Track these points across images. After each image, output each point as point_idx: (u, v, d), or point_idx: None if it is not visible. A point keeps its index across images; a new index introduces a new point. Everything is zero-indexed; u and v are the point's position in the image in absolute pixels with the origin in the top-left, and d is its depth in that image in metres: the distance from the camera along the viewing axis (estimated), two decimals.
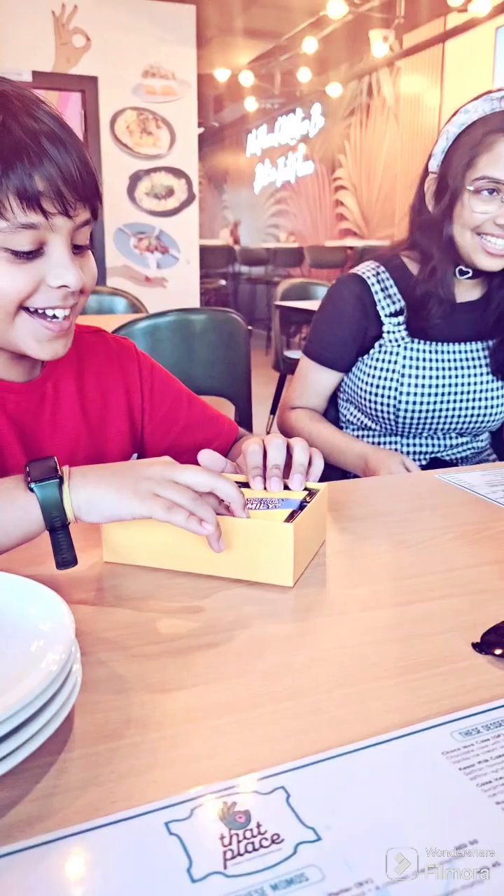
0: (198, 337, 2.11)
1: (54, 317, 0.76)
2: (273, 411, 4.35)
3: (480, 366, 1.28)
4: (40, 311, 0.75)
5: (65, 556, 0.65)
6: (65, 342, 0.80)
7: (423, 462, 1.31)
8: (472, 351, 1.28)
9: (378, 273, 1.28)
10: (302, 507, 0.73)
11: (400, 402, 1.25)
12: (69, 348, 0.82)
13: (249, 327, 2.18)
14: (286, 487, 0.77)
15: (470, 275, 1.22)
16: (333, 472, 1.40)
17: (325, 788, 0.41)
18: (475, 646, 0.56)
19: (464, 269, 1.22)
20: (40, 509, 0.64)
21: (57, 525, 0.64)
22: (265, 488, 0.77)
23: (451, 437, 1.31)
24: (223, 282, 8.57)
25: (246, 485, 0.79)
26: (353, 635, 0.59)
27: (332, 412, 1.42)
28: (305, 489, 0.77)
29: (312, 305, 3.85)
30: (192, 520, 0.63)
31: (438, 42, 5.76)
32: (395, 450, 1.31)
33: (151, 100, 5.67)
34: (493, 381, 1.29)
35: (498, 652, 0.54)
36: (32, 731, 0.41)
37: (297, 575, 0.68)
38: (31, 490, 0.64)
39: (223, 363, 2.16)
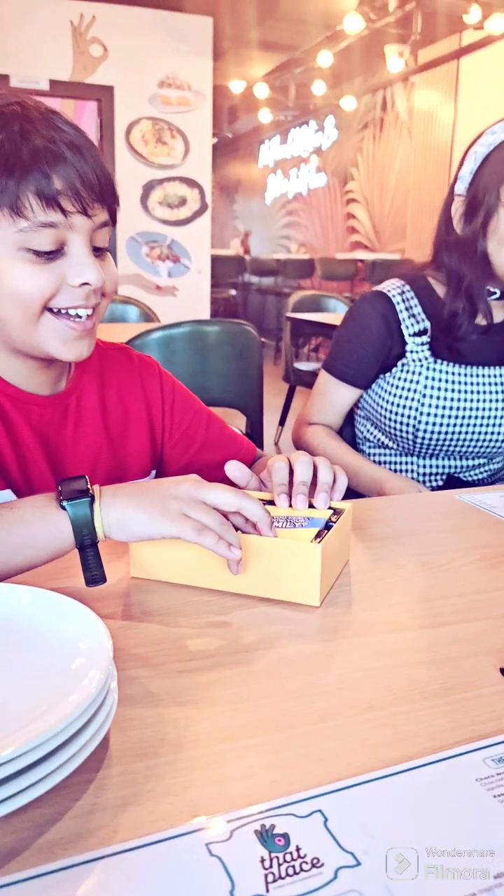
0: (211, 348, 2.12)
1: (77, 316, 0.78)
2: (282, 422, 4.36)
3: (501, 391, 1.28)
4: (63, 311, 0.77)
5: (94, 573, 0.66)
6: (89, 343, 0.82)
7: (440, 482, 1.32)
8: (494, 375, 1.28)
9: (403, 292, 1.29)
10: (328, 526, 0.73)
11: (420, 421, 1.25)
12: (92, 351, 0.83)
13: (263, 339, 2.19)
14: (311, 506, 0.78)
15: (498, 295, 1.23)
16: (347, 491, 1.40)
17: (361, 812, 0.42)
18: (503, 671, 0.56)
19: (491, 289, 1.23)
20: (71, 527, 0.64)
21: (87, 543, 0.65)
22: (290, 506, 0.77)
23: (467, 459, 1.31)
24: (233, 291, 8.61)
25: (271, 502, 0.79)
26: (380, 657, 0.60)
27: (348, 429, 1.42)
28: (330, 508, 0.78)
29: (323, 318, 3.86)
30: (221, 543, 0.64)
31: (453, 58, 5.79)
32: (410, 469, 1.32)
33: (167, 110, 5.71)
34: None
35: None
36: (75, 749, 0.42)
37: (323, 594, 0.69)
38: (63, 508, 0.64)
39: (236, 375, 2.17)
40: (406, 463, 1.32)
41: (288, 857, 0.39)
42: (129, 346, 1.02)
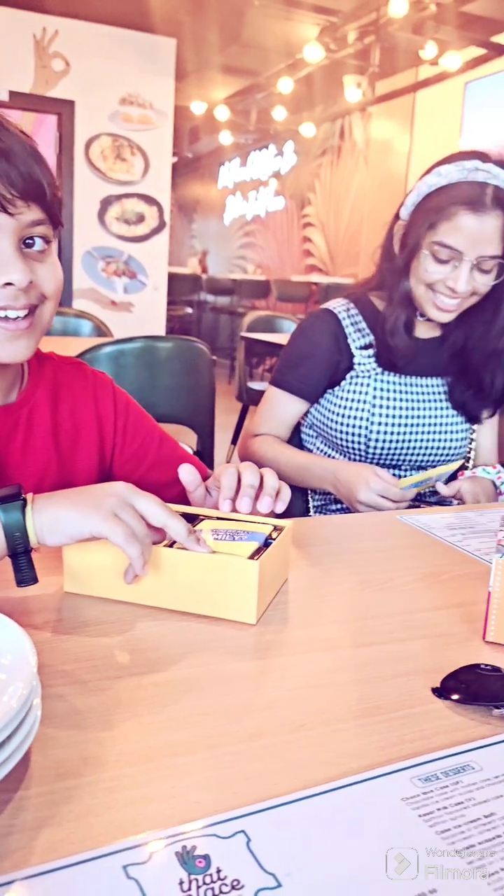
0: (163, 364, 2.12)
1: (6, 317, 0.77)
2: (234, 441, 4.36)
3: (443, 401, 1.33)
4: None
5: (24, 574, 0.64)
6: (26, 344, 0.81)
7: None
8: (434, 386, 1.33)
9: (349, 309, 1.34)
10: (268, 543, 0.73)
11: (371, 430, 1.28)
12: (31, 353, 0.82)
13: (213, 357, 2.20)
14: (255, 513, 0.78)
15: (427, 317, 1.27)
16: (295, 499, 1.41)
17: (285, 833, 0.41)
18: (435, 691, 0.56)
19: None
20: (3, 532, 0.63)
21: (19, 549, 0.64)
22: (234, 510, 0.78)
23: (415, 472, 1.33)
24: (189, 309, 8.62)
25: (210, 518, 0.79)
26: (313, 676, 0.59)
27: (294, 444, 1.43)
28: (272, 526, 0.78)
29: (277, 338, 3.89)
30: (140, 558, 0.64)
31: (410, 91, 5.95)
32: None
33: (127, 127, 5.72)
34: (454, 416, 1.33)
35: (456, 697, 0.55)
36: None
37: (260, 612, 0.68)
38: None
39: (187, 391, 2.16)
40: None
41: (207, 880, 0.38)
42: (83, 362, 1.01)
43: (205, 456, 2.21)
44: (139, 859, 0.39)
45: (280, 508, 0.80)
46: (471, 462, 1.39)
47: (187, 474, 0.83)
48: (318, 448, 1.39)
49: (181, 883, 0.38)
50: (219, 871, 0.38)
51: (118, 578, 0.69)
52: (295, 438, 1.43)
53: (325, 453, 1.37)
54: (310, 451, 1.41)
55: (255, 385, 4.26)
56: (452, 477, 1.45)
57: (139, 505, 0.67)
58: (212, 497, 0.87)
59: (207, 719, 0.52)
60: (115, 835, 0.41)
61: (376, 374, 1.30)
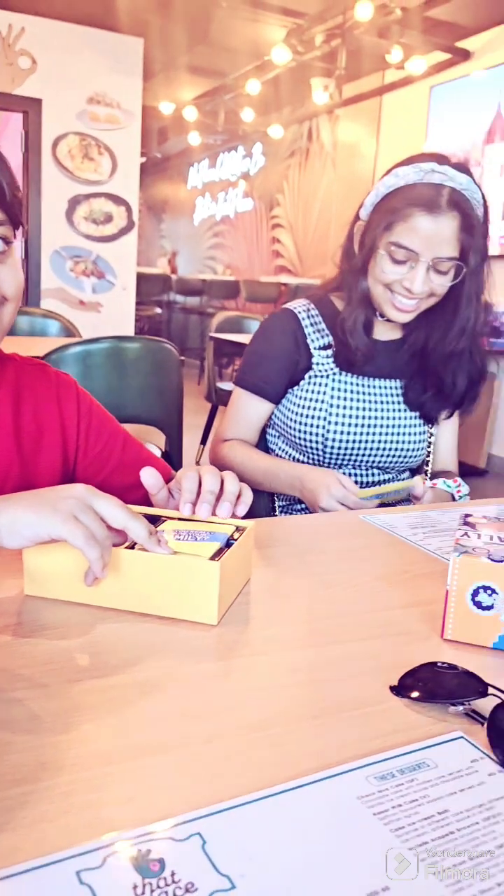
0: (130, 365, 2.10)
1: None
2: (203, 441, 4.35)
3: (400, 402, 1.34)
4: None
5: None
6: None
7: None
8: (392, 388, 1.34)
9: (309, 309, 1.35)
10: (229, 543, 0.73)
11: (328, 430, 1.29)
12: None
13: (181, 357, 2.19)
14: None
15: (386, 317, 1.28)
16: (261, 499, 1.41)
17: (241, 834, 0.41)
18: (393, 689, 0.57)
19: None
20: None
21: None
22: (193, 513, 0.77)
23: (374, 474, 1.35)
24: (158, 310, 8.59)
25: (172, 519, 0.79)
26: (273, 676, 0.59)
27: (260, 447, 1.43)
28: (234, 527, 0.78)
29: (246, 338, 3.89)
30: (100, 561, 0.63)
31: (376, 95, 6.01)
32: None
33: (95, 126, 5.68)
34: (413, 419, 1.34)
35: (414, 695, 0.56)
36: None
37: (221, 613, 0.68)
38: None
39: (155, 392, 2.15)
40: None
41: (161, 883, 0.38)
42: (47, 363, 1.01)
43: (173, 457, 2.21)
44: (93, 864, 0.39)
45: (241, 512, 0.80)
46: (430, 465, 1.40)
47: (149, 477, 0.82)
48: (280, 448, 1.39)
49: (135, 887, 0.37)
50: (173, 874, 0.38)
51: (79, 581, 0.69)
52: (262, 439, 1.43)
53: (288, 453, 1.38)
54: (273, 451, 1.41)
55: (224, 385, 4.26)
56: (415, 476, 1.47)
57: (99, 507, 0.66)
58: (175, 499, 0.87)
59: (166, 721, 0.52)
60: (70, 840, 0.41)
61: (334, 374, 1.31)
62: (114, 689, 0.56)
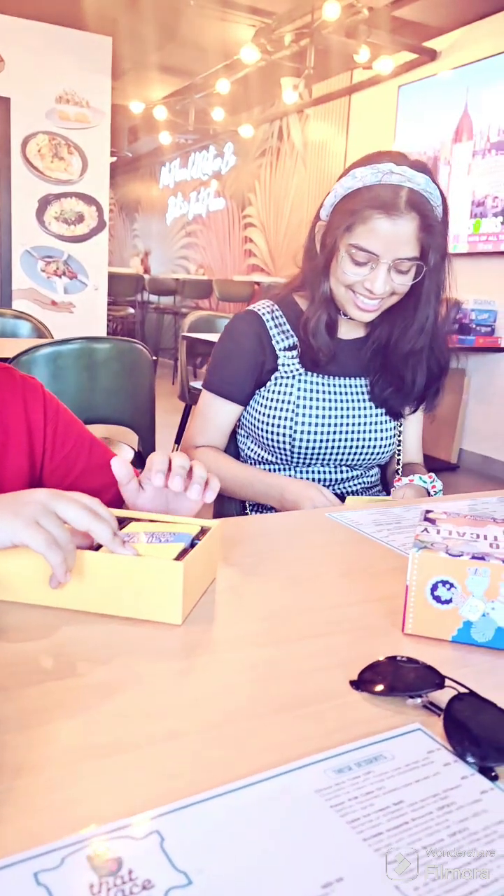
0: (101, 365, 2.10)
1: None
2: (178, 440, 4.35)
3: (366, 400, 1.35)
4: None
5: None
6: None
7: None
8: (358, 386, 1.35)
9: (273, 310, 1.35)
10: (194, 544, 0.74)
11: (295, 430, 1.29)
12: None
13: (155, 357, 2.19)
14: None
15: (348, 315, 1.29)
16: (232, 503, 1.42)
17: (199, 831, 0.42)
18: (353, 683, 0.58)
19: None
20: None
21: None
22: (166, 485, 0.79)
23: (342, 471, 1.36)
24: (131, 310, 8.55)
25: (138, 520, 0.79)
26: (235, 673, 0.60)
27: (231, 449, 1.44)
28: (199, 527, 0.78)
29: (218, 338, 3.90)
30: (63, 565, 0.63)
31: (345, 94, 6.03)
32: None
33: (64, 125, 5.65)
34: (380, 416, 1.36)
35: (373, 689, 0.56)
36: None
37: (185, 612, 0.69)
38: None
39: (126, 393, 2.15)
40: (286, 475, 1.35)
41: (118, 882, 0.38)
42: (12, 367, 1.00)
43: (145, 456, 2.20)
44: (50, 865, 0.39)
45: (209, 498, 0.82)
46: (400, 459, 1.42)
47: (120, 467, 0.83)
48: (249, 448, 1.40)
49: (91, 886, 0.38)
50: (130, 872, 0.39)
51: (43, 584, 0.69)
52: (232, 441, 1.43)
53: (257, 454, 1.38)
54: (243, 451, 1.42)
55: (197, 384, 4.24)
56: (384, 472, 1.48)
57: (61, 510, 0.66)
58: (144, 492, 0.87)
59: (127, 721, 0.53)
60: (28, 842, 0.41)
61: (300, 374, 1.31)
62: (76, 691, 0.56)
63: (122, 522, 0.79)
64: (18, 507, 0.64)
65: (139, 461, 2.21)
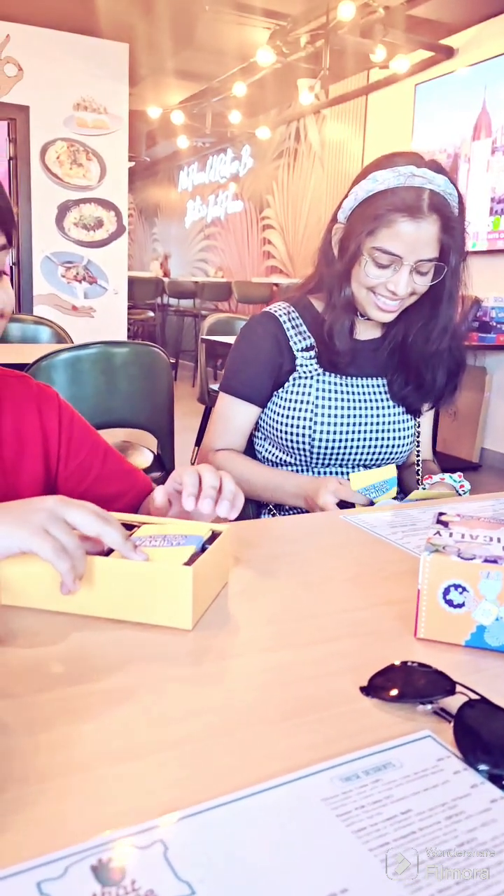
0: (119, 370, 2.11)
1: None
2: (198, 443, 4.36)
3: (385, 399, 1.34)
4: None
5: None
6: None
7: None
8: (376, 386, 1.35)
9: (289, 312, 1.35)
10: (204, 548, 0.73)
11: (315, 431, 1.29)
12: None
13: (173, 360, 2.19)
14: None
15: (368, 316, 1.29)
16: (248, 506, 1.41)
17: (203, 840, 0.41)
18: (363, 689, 0.57)
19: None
20: None
21: None
22: (196, 507, 0.80)
23: (361, 470, 1.35)
24: (151, 313, 8.58)
25: (148, 524, 0.79)
26: (245, 679, 0.60)
27: (247, 451, 1.43)
28: (210, 531, 0.78)
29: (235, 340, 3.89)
30: (71, 572, 0.63)
31: (362, 94, 6.01)
32: None
33: (83, 132, 5.69)
34: (399, 414, 1.35)
35: (384, 695, 0.56)
36: None
37: (196, 618, 0.68)
38: None
39: (145, 397, 2.16)
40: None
41: (121, 892, 0.38)
42: (28, 375, 1.01)
43: (165, 460, 2.21)
44: (54, 874, 0.39)
45: (233, 515, 0.82)
46: (419, 459, 1.41)
47: (163, 498, 0.86)
48: (267, 450, 1.40)
49: None
50: (133, 882, 0.38)
51: (53, 589, 0.69)
52: (248, 446, 1.43)
53: (275, 455, 1.38)
54: (260, 453, 1.41)
55: (217, 387, 4.25)
56: (400, 472, 1.47)
57: (71, 517, 0.66)
58: (171, 508, 0.88)
59: (136, 728, 0.52)
60: (32, 850, 0.41)
61: (318, 375, 1.31)
62: (86, 698, 0.56)
63: (131, 527, 0.79)
64: (27, 514, 0.64)
65: (158, 465, 2.21)
